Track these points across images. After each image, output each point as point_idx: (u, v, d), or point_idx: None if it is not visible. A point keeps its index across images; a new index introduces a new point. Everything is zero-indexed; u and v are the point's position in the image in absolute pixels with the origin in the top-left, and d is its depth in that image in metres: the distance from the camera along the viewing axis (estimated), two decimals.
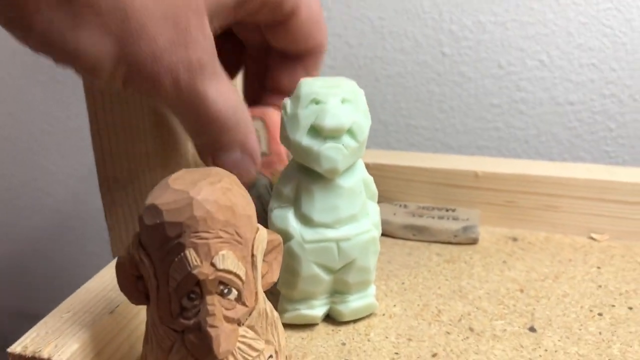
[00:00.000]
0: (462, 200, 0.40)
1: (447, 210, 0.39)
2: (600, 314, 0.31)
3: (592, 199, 0.38)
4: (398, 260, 0.36)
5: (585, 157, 0.56)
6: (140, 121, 0.31)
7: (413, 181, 0.41)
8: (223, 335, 0.21)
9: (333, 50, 0.59)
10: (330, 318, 0.31)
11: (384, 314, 0.31)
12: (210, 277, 0.20)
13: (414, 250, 0.38)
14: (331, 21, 0.58)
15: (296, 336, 0.29)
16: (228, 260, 0.21)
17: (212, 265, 0.20)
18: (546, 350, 0.28)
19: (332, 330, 0.30)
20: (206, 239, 0.20)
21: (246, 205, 0.22)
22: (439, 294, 0.33)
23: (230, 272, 0.21)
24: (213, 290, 0.21)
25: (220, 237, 0.21)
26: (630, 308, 0.31)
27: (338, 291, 0.29)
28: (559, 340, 0.29)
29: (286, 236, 0.27)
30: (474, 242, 0.38)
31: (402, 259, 0.36)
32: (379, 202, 0.30)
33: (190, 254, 0.20)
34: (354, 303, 0.30)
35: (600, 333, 0.29)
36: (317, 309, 0.29)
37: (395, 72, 0.58)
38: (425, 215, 0.39)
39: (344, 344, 0.29)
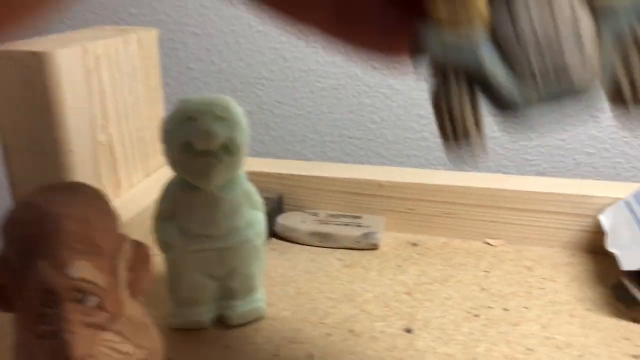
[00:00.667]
0: (368, 208, 0.42)
1: (353, 218, 0.41)
2: (476, 315, 0.33)
3: (487, 206, 0.40)
4: (301, 266, 0.38)
5: (509, 165, 0.59)
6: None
7: (324, 190, 0.42)
8: (79, 340, 0.22)
9: (269, 62, 0.61)
10: (221, 323, 0.32)
11: (273, 318, 0.33)
12: (65, 286, 0.22)
13: (318, 256, 0.39)
14: (267, 35, 0.60)
15: (184, 340, 0.31)
16: (83, 270, 0.22)
17: (66, 274, 0.22)
18: (417, 350, 0.30)
19: (220, 334, 0.31)
20: (59, 250, 0.22)
21: (105, 217, 0.24)
22: (329, 298, 0.35)
23: (86, 281, 0.23)
24: (69, 298, 0.22)
25: (75, 248, 0.22)
26: (506, 309, 0.33)
27: (225, 297, 0.31)
28: (431, 341, 0.31)
29: (168, 247, 0.29)
30: (374, 247, 0.40)
31: (304, 265, 0.38)
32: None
33: (44, 265, 0.22)
34: (241, 308, 0.31)
35: (471, 333, 0.31)
36: (204, 314, 0.31)
37: (329, 85, 0.60)
38: (332, 223, 0.41)
39: (228, 347, 0.30)
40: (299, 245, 0.40)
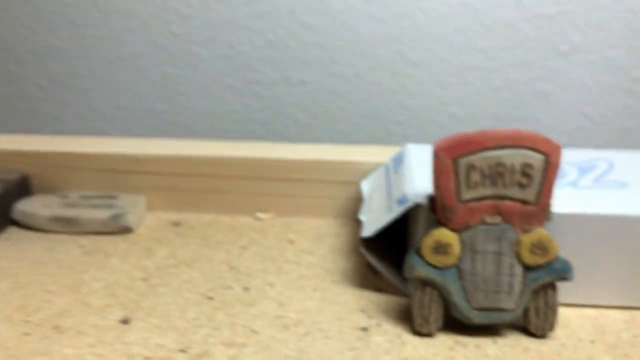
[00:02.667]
0: (127, 187, 0.37)
1: (108, 198, 0.37)
2: (210, 298, 0.30)
3: (255, 178, 0.37)
4: (31, 257, 0.33)
5: (322, 137, 0.56)
6: None
7: (76, 168, 0.37)
8: None
9: (57, 28, 0.54)
10: None
11: None
12: None
13: (58, 244, 0.34)
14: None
15: None
16: None
17: None
18: (125, 343, 0.26)
19: None
20: None
21: None
22: (49, 291, 0.30)
23: None
24: None
25: None
26: (247, 289, 0.30)
27: None
28: (146, 331, 0.27)
29: None
30: (127, 230, 0.35)
31: (36, 255, 0.33)
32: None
33: None
34: None
35: (196, 319, 0.28)
36: None
37: (127, 53, 0.55)
38: (82, 206, 0.36)
39: None
40: (37, 233, 0.35)
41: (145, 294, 0.30)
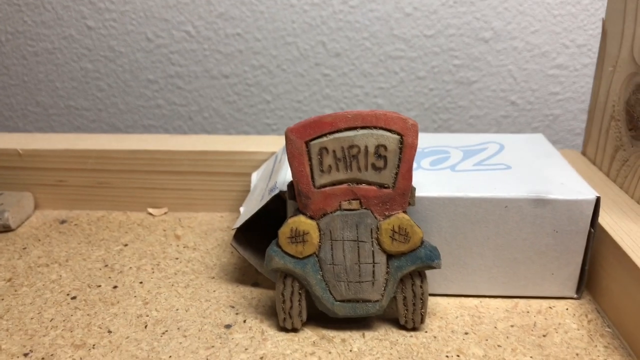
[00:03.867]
0: (11, 184, 0.35)
1: None
2: (74, 298, 0.28)
3: (147, 171, 0.35)
4: None
5: (250, 131, 0.55)
6: None
7: None
8: None
9: None
10: None
11: None
12: None
13: None
14: None
15: None
16: None
17: None
18: None
19: None
20: None
21: None
22: None
23: None
24: None
25: None
26: (116, 287, 0.29)
27: None
28: None
29: None
30: (6, 229, 0.33)
31: None
32: None
33: None
34: None
35: (52, 319, 0.26)
36: None
37: (42, 49, 0.53)
38: None
39: None
40: None
41: (3, 295, 0.28)
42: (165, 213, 0.36)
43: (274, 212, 0.30)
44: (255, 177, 0.33)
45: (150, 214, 0.36)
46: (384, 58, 0.50)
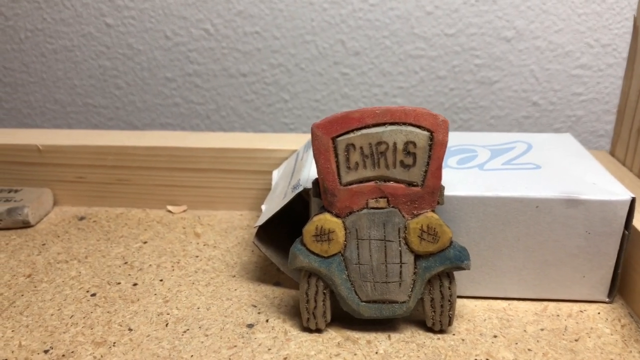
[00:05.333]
0: (31, 180, 0.35)
1: (9, 192, 0.35)
2: (93, 295, 0.27)
3: (167, 168, 0.35)
4: None
5: (267, 130, 0.54)
6: None
7: None
8: None
9: None
10: None
11: None
12: None
13: None
14: None
15: None
16: None
17: None
18: None
19: None
20: None
21: None
22: None
23: None
24: None
25: None
26: (135, 285, 0.28)
27: None
28: (12, 331, 0.25)
29: None
30: (25, 225, 0.33)
31: None
32: None
33: None
34: None
35: (72, 316, 0.26)
36: None
37: (61, 46, 0.53)
38: None
39: None
40: None
41: (23, 291, 0.28)
42: (185, 211, 0.35)
43: (296, 210, 0.29)
44: (276, 175, 0.33)
45: (170, 211, 0.35)
46: (404, 57, 0.50)
